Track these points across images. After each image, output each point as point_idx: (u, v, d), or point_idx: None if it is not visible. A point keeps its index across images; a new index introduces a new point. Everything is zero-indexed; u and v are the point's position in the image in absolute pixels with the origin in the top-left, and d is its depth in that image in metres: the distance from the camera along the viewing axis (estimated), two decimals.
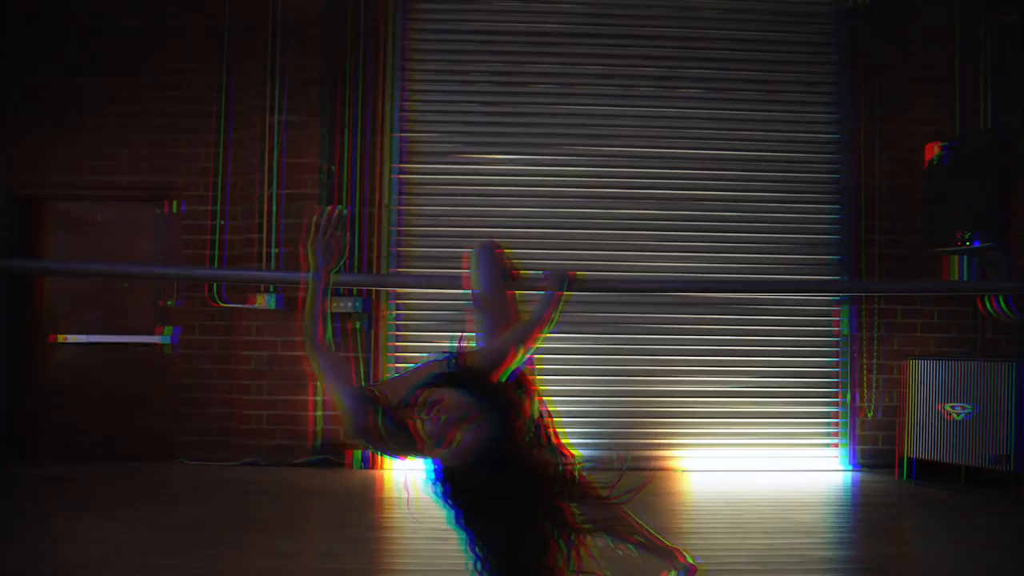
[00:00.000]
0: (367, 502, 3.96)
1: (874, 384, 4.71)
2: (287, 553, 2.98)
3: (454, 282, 2.48)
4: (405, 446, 1.56)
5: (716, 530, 3.49)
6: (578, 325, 4.59)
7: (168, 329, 4.73)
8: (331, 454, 4.66)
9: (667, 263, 4.67)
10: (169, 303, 4.77)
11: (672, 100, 4.72)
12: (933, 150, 4.31)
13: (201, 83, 4.73)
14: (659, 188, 4.72)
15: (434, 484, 1.44)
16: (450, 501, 1.42)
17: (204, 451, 4.67)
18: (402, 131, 4.71)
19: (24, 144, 4.69)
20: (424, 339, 4.68)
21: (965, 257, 4.58)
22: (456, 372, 1.49)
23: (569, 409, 4.59)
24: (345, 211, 2.00)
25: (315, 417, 4.66)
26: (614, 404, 4.68)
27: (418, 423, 1.39)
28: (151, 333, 4.77)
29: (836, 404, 4.74)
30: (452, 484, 1.41)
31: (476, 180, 4.66)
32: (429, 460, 1.47)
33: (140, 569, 2.60)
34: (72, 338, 4.77)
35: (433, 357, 1.60)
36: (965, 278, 4.57)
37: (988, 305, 4.58)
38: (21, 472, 4.33)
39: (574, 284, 2.21)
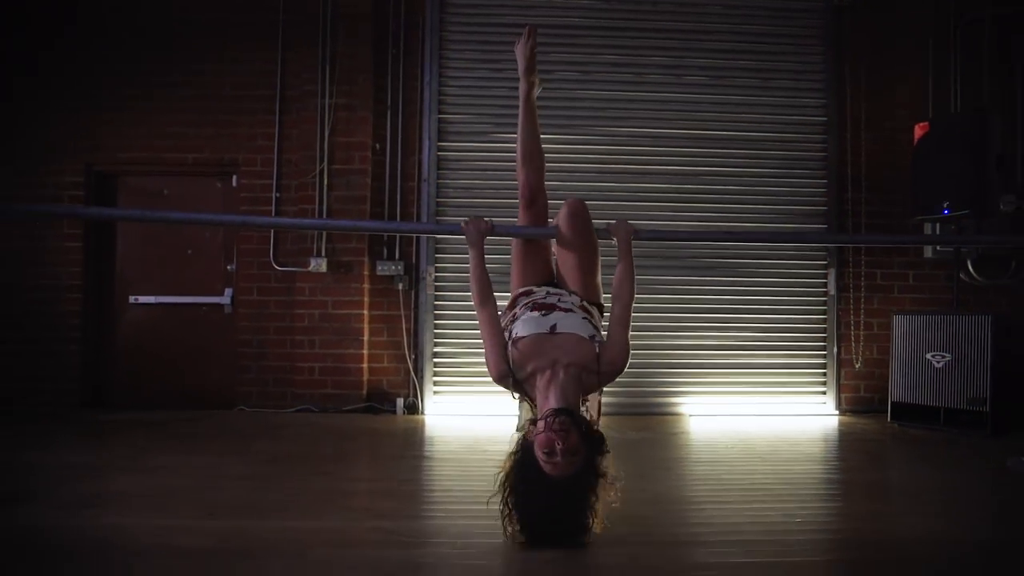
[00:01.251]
0: (417, 439, 4.08)
1: (859, 339, 4.87)
2: (368, 478, 3.13)
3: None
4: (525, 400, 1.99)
5: (722, 459, 3.61)
6: None
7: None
8: (376, 402, 4.78)
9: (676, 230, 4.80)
10: (229, 268, 4.89)
11: (678, 86, 4.86)
12: (922, 129, 4.45)
13: (261, 70, 4.84)
14: (668, 165, 4.87)
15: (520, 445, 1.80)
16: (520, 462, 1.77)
17: (262, 400, 4.79)
18: (439, 113, 4.83)
19: (103, 123, 4.80)
20: (461, 298, 4.80)
21: (939, 225, 4.74)
22: (581, 424, 1.78)
23: None
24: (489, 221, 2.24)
25: (362, 369, 4.79)
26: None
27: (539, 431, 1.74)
28: (216, 294, 4.88)
29: (823, 356, 4.89)
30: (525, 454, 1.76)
31: (504, 157, 4.76)
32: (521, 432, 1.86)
33: (247, 489, 2.60)
34: (143, 299, 4.87)
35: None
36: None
37: (959, 270, 4.76)
38: (99, 418, 4.43)
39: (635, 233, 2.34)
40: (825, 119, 4.92)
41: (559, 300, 2.06)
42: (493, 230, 2.23)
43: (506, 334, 1.99)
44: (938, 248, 4.82)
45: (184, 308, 4.89)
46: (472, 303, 2.12)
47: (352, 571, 1.74)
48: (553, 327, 1.94)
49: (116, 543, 1.89)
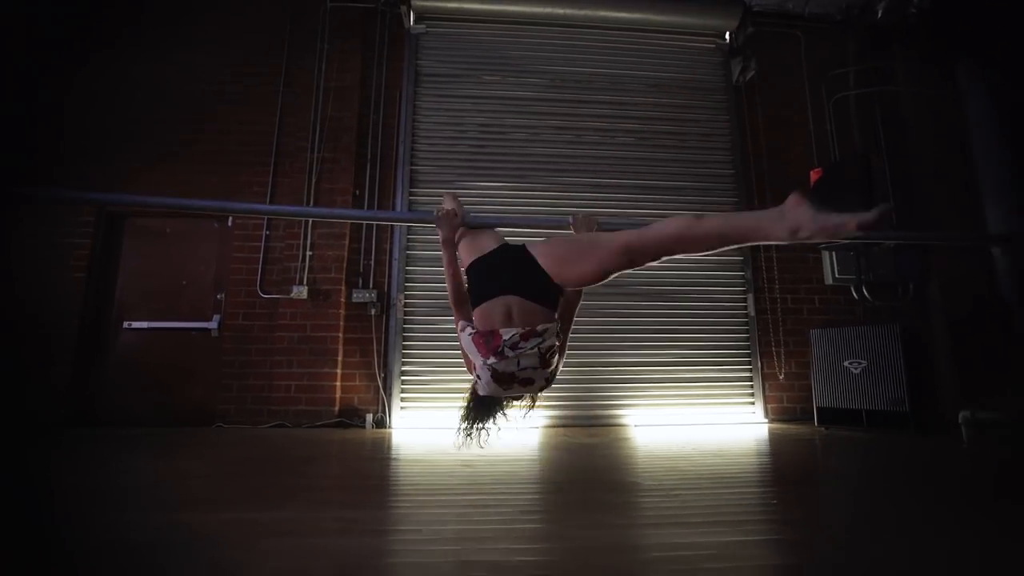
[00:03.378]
0: (384, 446, 3.78)
1: (780, 355, 4.78)
2: (334, 475, 2.88)
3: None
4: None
5: (659, 458, 3.39)
6: None
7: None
8: (347, 417, 4.47)
9: None
10: (219, 296, 4.70)
11: (611, 146, 5.05)
12: (816, 174, 4.64)
13: (262, 130, 4.93)
14: (604, 208, 4.94)
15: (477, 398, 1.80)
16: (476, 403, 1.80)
17: (241, 416, 4.45)
18: (411, 164, 4.91)
19: (117, 171, 4.76)
20: (427, 322, 4.65)
21: (833, 253, 4.83)
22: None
23: None
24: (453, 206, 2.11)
25: (335, 387, 4.51)
26: (577, 373, 4.63)
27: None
28: (205, 320, 4.66)
29: (749, 370, 4.76)
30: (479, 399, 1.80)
31: (468, 201, 4.82)
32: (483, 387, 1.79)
33: (208, 487, 2.38)
34: (137, 324, 4.62)
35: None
36: (832, 270, 4.78)
37: (855, 293, 4.79)
38: (89, 433, 4.05)
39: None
40: (733, 171, 5.10)
41: (518, 364, 1.74)
42: (463, 221, 2.12)
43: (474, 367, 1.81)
44: (836, 276, 4.86)
45: (174, 333, 4.64)
46: (449, 316, 2.01)
47: (307, 559, 1.49)
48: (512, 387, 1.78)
49: (65, 537, 1.66)
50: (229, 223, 4.83)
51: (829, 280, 4.89)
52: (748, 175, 5.08)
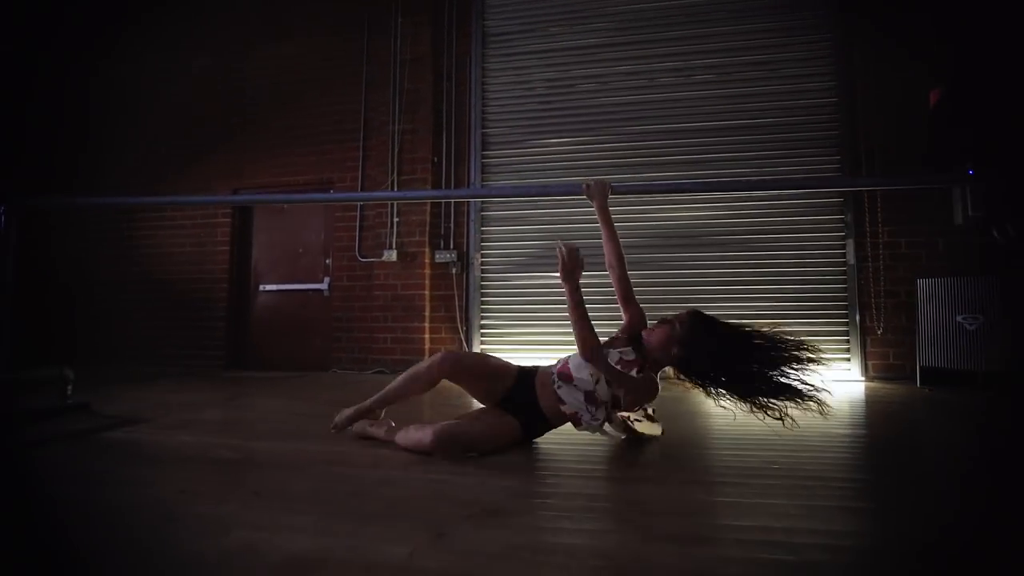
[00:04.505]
0: None
1: (884, 307, 3.98)
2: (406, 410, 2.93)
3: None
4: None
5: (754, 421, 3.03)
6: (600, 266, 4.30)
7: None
8: None
9: (683, 212, 4.26)
10: (327, 261, 5.03)
11: (687, 86, 4.38)
12: (936, 95, 3.64)
13: (349, 108, 5.04)
14: (679, 155, 4.36)
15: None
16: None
17: (350, 364, 4.81)
18: (483, 128, 4.72)
19: (241, 159, 5.22)
20: (502, 278, 4.57)
21: (967, 188, 3.78)
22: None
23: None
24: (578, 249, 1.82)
25: (424, 339, 4.67)
26: None
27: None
28: (318, 282, 5.04)
29: (845, 324, 4.03)
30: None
31: (537, 159, 4.56)
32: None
33: (295, 422, 2.51)
34: (269, 287, 5.14)
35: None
36: (965, 206, 3.77)
37: (995, 233, 3.75)
38: (232, 375, 4.66)
39: (608, 191, 2.06)
40: (836, 100, 4.17)
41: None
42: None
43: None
44: (970, 212, 3.83)
45: (296, 294, 5.09)
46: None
47: (341, 482, 1.55)
48: None
49: (176, 454, 1.92)
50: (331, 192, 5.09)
51: (958, 219, 3.88)
52: (852, 101, 4.12)
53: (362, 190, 4.94)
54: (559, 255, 1.69)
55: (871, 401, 3.28)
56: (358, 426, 2.03)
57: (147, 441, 2.11)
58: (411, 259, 4.73)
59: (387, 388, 1.89)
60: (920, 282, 3.62)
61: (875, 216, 4.02)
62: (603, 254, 2.02)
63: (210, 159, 5.28)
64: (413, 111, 4.81)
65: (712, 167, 4.28)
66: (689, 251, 4.25)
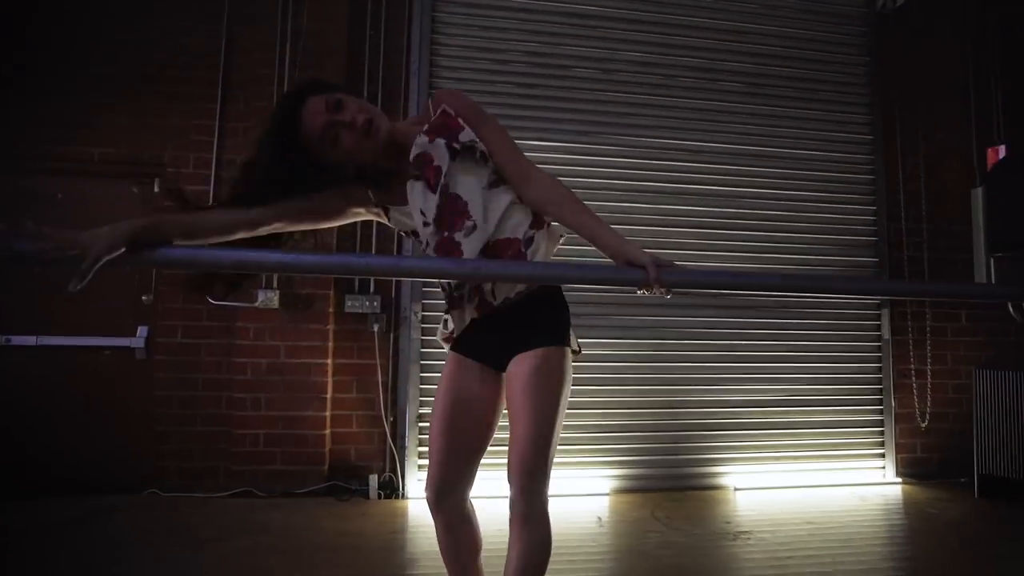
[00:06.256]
0: (398, 542, 2.25)
1: (922, 389, 3.36)
2: None
3: None
4: None
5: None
6: (611, 329, 3.08)
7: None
8: (342, 480, 2.90)
9: (705, 259, 3.21)
10: (144, 299, 2.94)
11: (712, 92, 3.32)
12: (995, 153, 3.04)
13: (194, 49, 3.00)
14: (698, 183, 3.28)
15: None
16: None
17: (185, 480, 2.84)
18: None
19: None
20: None
21: (992, 258, 3.31)
22: None
23: (603, 423, 3.04)
24: None
25: (324, 436, 2.90)
26: (653, 417, 3.12)
27: None
28: (125, 334, 2.92)
29: (880, 411, 3.34)
30: None
31: None
32: None
33: None
34: (18, 340, 2.86)
35: None
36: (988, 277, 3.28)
37: (1012, 311, 3.32)
38: None
39: None
40: (871, 137, 3.45)
41: None
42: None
43: None
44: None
45: (79, 353, 2.89)
46: None
47: None
48: None
49: None
50: (156, 188, 3.00)
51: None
52: (891, 140, 3.44)
53: (217, 184, 2.96)
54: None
55: (913, 514, 2.58)
56: None
57: None
58: (304, 307, 2.93)
59: None
60: (978, 372, 3.02)
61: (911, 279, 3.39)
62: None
63: None
64: (315, 66, 2.98)
65: (735, 202, 3.29)
66: (708, 312, 3.20)
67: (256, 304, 2.87)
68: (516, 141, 1.17)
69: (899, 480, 3.25)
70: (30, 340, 2.86)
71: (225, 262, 1.00)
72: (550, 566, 1.06)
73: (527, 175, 1.08)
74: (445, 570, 1.22)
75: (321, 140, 1.04)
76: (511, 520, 1.05)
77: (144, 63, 2.97)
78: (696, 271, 1.88)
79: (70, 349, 2.88)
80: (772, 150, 3.35)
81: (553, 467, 1.09)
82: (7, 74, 2.85)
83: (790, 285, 1.66)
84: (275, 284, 2.90)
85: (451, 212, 1.07)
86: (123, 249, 0.88)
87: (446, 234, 1.07)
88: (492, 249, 1.07)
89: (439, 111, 1.12)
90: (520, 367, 1.07)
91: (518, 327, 1.09)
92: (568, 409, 2.96)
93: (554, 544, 1.07)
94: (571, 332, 1.16)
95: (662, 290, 0.99)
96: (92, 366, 2.89)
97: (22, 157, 2.87)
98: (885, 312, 3.36)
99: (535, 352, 1.07)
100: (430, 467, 1.16)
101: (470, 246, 1.06)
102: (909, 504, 2.92)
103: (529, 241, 1.10)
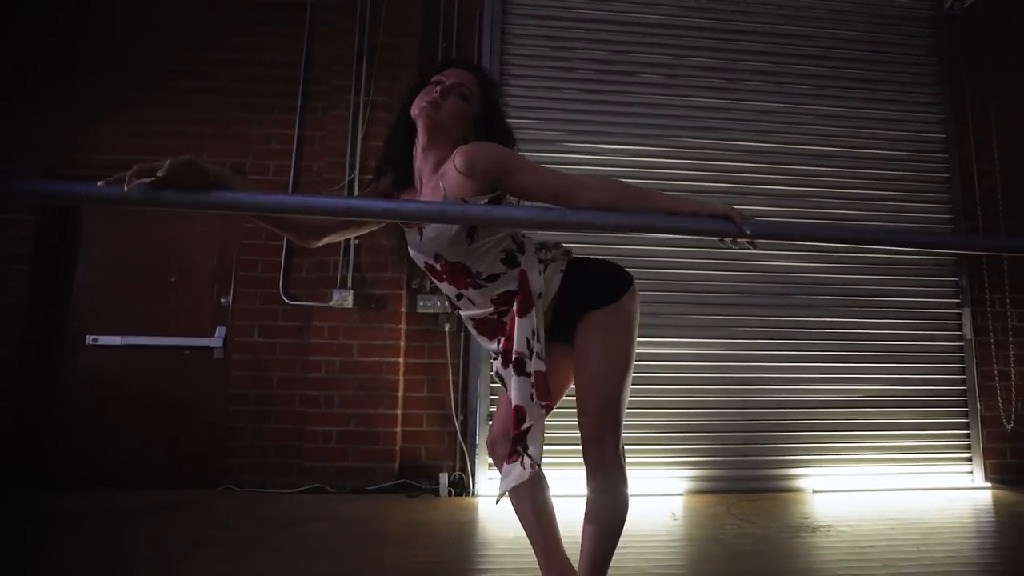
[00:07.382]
0: (466, 536, 2.20)
1: (1010, 392, 3.20)
2: None
3: None
4: None
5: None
6: (684, 329, 3.04)
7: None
8: (412, 478, 2.88)
9: (776, 263, 3.16)
10: (223, 301, 3.03)
11: (777, 95, 3.33)
12: None
13: (278, 61, 3.16)
14: (767, 184, 3.26)
15: None
16: None
17: (259, 476, 2.86)
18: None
19: (65, 117, 3.01)
20: None
21: None
22: None
23: (677, 422, 2.97)
24: None
25: (395, 434, 2.90)
26: (727, 417, 3.04)
27: None
28: (203, 334, 3.00)
29: (965, 414, 3.18)
30: None
31: (578, 167, 3.12)
32: None
33: None
34: (105, 339, 2.96)
35: None
36: None
37: None
38: (41, 502, 2.46)
39: None
40: (944, 135, 3.40)
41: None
42: None
43: None
44: None
45: (159, 352, 2.98)
46: None
47: None
48: None
49: None
50: None
51: None
52: (965, 139, 3.38)
53: (293, 190, 3.07)
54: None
55: (1004, 515, 2.42)
56: None
57: None
58: (378, 306, 2.97)
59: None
60: None
61: (995, 279, 3.28)
62: None
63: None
64: (390, 77, 3.11)
65: (803, 203, 3.25)
66: (781, 312, 3.14)
67: (331, 304, 2.93)
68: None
69: (988, 485, 3.08)
70: (116, 340, 2.96)
71: (289, 205, 1.04)
72: (625, 549, 1.11)
73: (571, 193, 1.05)
74: (517, 554, 1.30)
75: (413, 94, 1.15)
76: (586, 471, 1.15)
77: (230, 79, 3.13)
78: (774, 223, 1.87)
79: (152, 349, 2.97)
80: (839, 150, 3.32)
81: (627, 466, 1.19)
82: (102, 85, 3.04)
83: (863, 237, 1.59)
84: (349, 284, 2.96)
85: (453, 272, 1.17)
86: (199, 175, 0.94)
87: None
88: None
89: (454, 162, 1.09)
90: (582, 337, 1.17)
91: (567, 308, 1.19)
92: (641, 409, 2.90)
93: (626, 530, 1.16)
94: (617, 286, 1.20)
95: (748, 240, 1.06)
96: (172, 365, 2.97)
97: (118, 166, 3.02)
98: (966, 312, 3.24)
99: (589, 317, 1.17)
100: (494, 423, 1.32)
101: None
102: (1000, 507, 2.75)
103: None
